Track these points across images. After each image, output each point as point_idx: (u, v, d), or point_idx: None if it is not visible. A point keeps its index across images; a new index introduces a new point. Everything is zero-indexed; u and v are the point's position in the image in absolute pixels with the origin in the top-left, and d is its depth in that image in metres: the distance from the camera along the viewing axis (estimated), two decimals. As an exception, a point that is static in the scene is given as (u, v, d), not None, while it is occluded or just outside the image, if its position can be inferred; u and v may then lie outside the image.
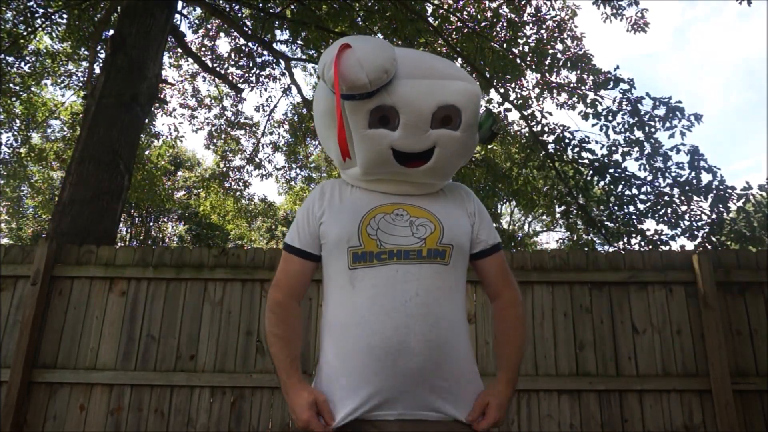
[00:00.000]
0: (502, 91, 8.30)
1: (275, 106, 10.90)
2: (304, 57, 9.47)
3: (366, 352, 1.14)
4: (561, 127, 7.57)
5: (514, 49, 7.98)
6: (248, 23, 8.99)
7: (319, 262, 1.32)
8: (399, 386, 1.13)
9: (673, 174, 6.59)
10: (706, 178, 6.36)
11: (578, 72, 7.96)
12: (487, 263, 1.35)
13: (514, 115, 11.80)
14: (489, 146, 10.53)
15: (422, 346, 1.13)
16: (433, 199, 1.31)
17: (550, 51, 8.06)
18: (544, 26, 8.32)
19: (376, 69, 1.10)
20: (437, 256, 1.20)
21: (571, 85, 8.21)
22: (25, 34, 8.35)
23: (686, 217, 6.49)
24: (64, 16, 8.25)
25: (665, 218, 6.55)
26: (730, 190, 6.25)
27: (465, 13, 8.44)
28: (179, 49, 9.53)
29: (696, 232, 6.38)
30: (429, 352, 1.13)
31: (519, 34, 8.03)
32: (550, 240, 20.90)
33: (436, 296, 1.17)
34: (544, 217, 15.97)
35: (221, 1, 8.66)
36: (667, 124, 6.68)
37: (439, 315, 1.16)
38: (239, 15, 8.96)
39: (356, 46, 1.13)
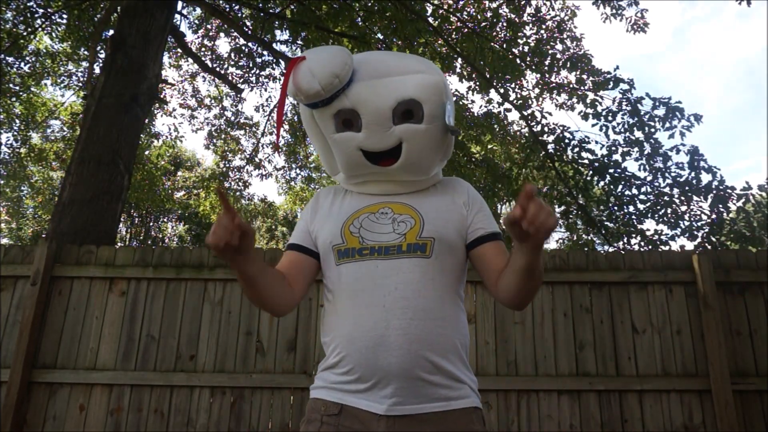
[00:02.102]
0: (502, 91, 8.31)
1: (275, 106, 10.89)
2: (303, 57, 9.47)
3: (350, 343, 1.17)
4: (561, 127, 7.58)
5: (514, 50, 7.99)
6: (248, 23, 8.99)
7: (309, 255, 1.32)
8: (383, 380, 1.14)
9: (672, 174, 6.61)
10: (705, 178, 6.39)
11: (578, 72, 7.97)
12: (489, 248, 1.26)
13: (514, 115, 11.77)
14: (489, 146, 10.55)
15: (402, 340, 1.13)
16: (421, 196, 1.32)
17: (550, 51, 8.06)
18: (543, 26, 8.32)
19: (327, 75, 1.17)
20: (417, 250, 1.20)
21: (571, 85, 8.22)
22: (25, 34, 8.35)
23: (686, 217, 6.51)
24: (64, 16, 8.26)
25: (665, 218, 6.55)
26: (729, 190, 6.26)
27: (465, 13, 8.44)
28: (179, 49, 9.53)
29: (696, 232, 6.39)
30: (409, 345, 1.13)
31: (519, 34, 8.04)
32: (550, 240, 20.91)
33: (418, 289, 1.17)
34: (544, 217, 15.93)
35: (221, 1, 8.66)
36: (667, 125, 6.69)
37: (421, 307, 1.16)
38: (239, 15, 8.96)
39: (309, 57, 1.20)
